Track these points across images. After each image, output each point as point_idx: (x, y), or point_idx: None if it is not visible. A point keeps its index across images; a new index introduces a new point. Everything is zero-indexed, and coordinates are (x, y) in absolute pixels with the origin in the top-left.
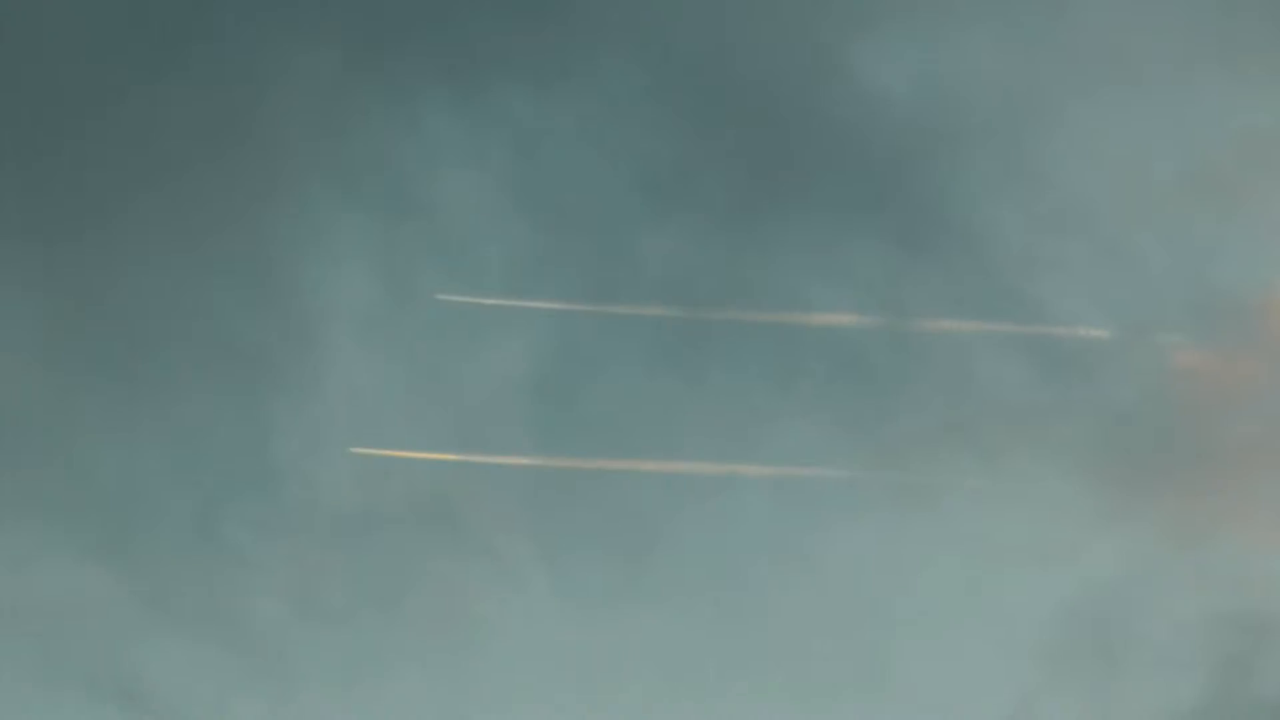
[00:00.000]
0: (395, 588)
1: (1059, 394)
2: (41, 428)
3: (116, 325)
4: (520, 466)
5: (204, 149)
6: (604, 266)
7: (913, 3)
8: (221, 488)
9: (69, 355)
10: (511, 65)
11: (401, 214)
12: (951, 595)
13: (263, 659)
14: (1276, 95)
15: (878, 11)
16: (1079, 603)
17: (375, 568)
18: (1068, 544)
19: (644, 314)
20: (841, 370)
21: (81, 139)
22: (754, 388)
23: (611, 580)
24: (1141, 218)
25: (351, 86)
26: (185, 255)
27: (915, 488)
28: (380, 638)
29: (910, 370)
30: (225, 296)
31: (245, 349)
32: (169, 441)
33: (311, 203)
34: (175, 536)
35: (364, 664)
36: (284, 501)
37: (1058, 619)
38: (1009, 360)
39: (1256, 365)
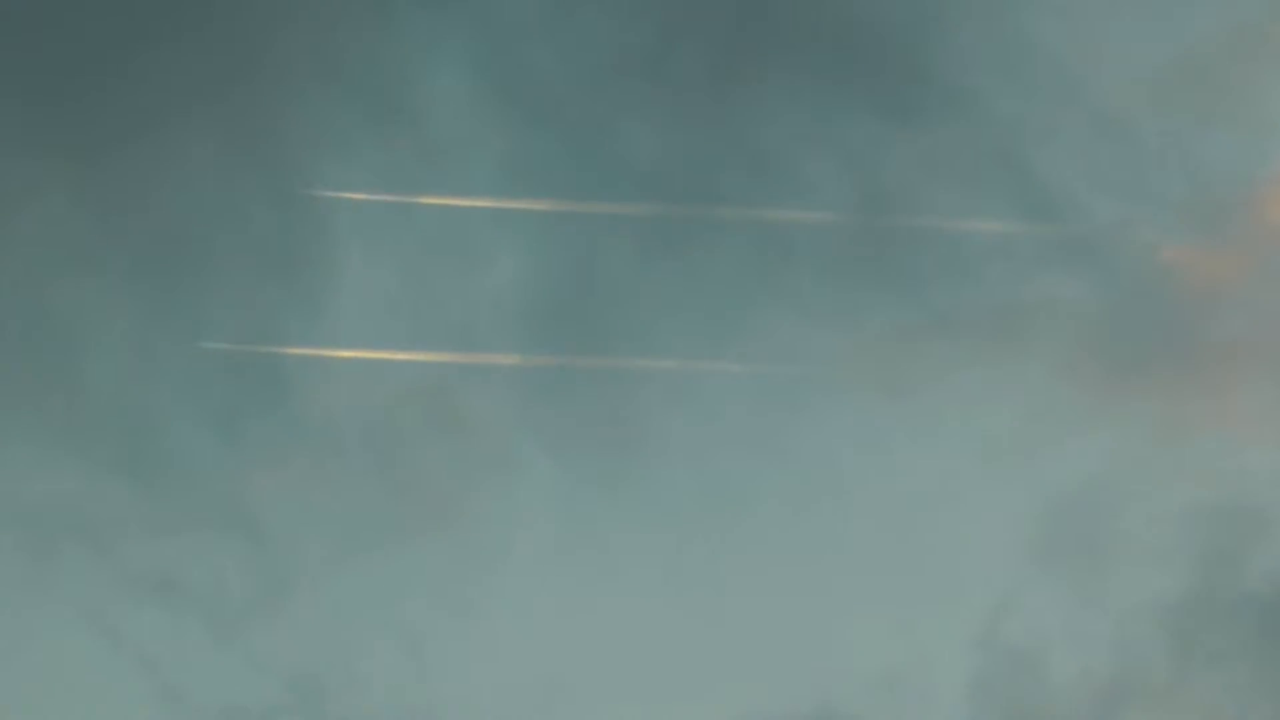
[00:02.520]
0: (394, 487)
1: (1045, 287)
2: (54, 335)
3: (133, 231)
4: (509, 365)
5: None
6: (583, 163)
7: None
8: (233, 393)
9: (81, 264)
10: None
11: (383, 116)
12: (936, 490)
13: (276, 557)
14: None
15: None
16: (1065, 497)
17: (374, 467)
18: (1054, 438)
19: (624, 211)
20: (824, 263)
21: (98, 51)
22: (737, 281)
23: (599, 476)
24: (1132, 107)
25: None
26: (203, 166)
27: (899, 382)
28: (381, 532)
29: (894, 263)
30: (235, 201)
31: (254, 254)
32: (178, 341)
33: (313, 107)
34: (184, 441)
35: (366, 557)
36: (290, 407)
37: (1044, 513)
38: (995, 253)
39: (1245, 260)
